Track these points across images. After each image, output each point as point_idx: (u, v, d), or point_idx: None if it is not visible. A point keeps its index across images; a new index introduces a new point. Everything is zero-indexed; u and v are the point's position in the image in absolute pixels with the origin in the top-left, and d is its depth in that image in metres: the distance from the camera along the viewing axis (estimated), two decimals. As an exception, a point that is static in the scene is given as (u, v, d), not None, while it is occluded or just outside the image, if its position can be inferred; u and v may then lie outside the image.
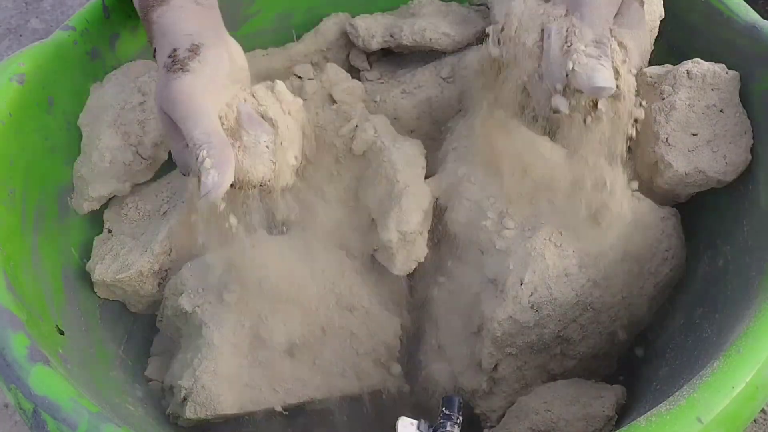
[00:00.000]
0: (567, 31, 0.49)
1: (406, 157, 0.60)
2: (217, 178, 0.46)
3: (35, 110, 0.58)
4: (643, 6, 0.53)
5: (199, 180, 0.46)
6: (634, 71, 0.52)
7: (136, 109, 0.61)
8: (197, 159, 0.46)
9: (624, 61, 0.50)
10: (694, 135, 0.57)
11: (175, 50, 0.51)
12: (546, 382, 0.59)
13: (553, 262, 0.55)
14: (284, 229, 0.64)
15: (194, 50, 0.51)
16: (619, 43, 0.51)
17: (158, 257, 0.60)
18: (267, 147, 0.50)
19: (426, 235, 0.59)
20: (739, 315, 0.48)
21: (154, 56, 0.54)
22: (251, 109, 0.50)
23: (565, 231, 0.56)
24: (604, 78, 0.47)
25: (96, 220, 0.64)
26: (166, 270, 0.62)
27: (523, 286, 0.54)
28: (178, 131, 0.49)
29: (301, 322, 0.57)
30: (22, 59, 0.57)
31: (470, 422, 0.61)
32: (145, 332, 0.66)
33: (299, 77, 0.67)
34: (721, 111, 0.57)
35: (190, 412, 0.54)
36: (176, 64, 0.50)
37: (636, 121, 0.55)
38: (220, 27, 0.56)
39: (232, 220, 0.52)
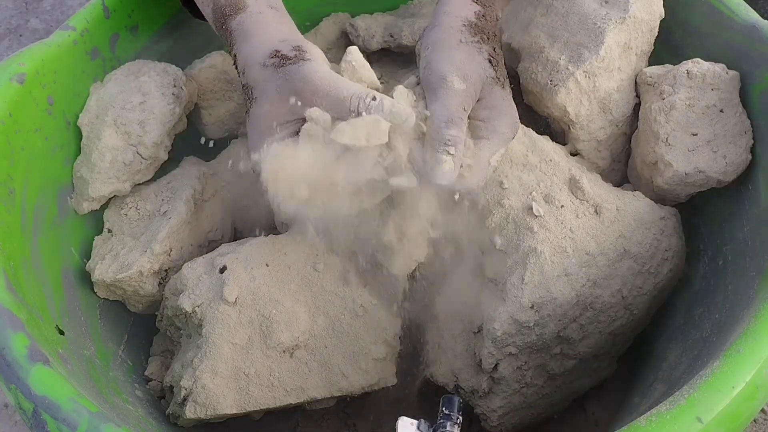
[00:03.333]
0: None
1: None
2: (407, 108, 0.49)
3: (35, 110, 0.58)
4: (504, 88, 0.55)
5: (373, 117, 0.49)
6: (494, 158, 0.54)
7: (136, 109, 0.61)
8: (369, 104, 0.49)
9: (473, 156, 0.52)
10: (694, 135, 0.57)
11: (277, 51, 0.54)
12: (546, 382, 0.59)
13: (553, 261, 0.55)
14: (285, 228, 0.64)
15: (298, 49, 0.54)
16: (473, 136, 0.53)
17: (158, 257, 0.60)
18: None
19: (426, 234, 0.59)
20: (739, 315, 0.48)
21: (234, 64, 0.57)
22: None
23: (566, 230, 0.56)
24: (443, 174, 0.50)
25: (96, 220, 0.64)
26: (166, 270, 0.62)
27: (523, 285, 0.54)
28: (290, 107, 0.51)
29: (301, 322, 0.57)
30: (22, 59, 0.57)
31: (470, 422, 0.61)
32: (145, 332, 0.66)
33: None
34: (721, 111, 0.57)
35: (190, 412, 0.54)
36: (288, 60, 0.53)
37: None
38: (299, 33, 0.59)
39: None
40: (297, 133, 0.52)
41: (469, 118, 0.53)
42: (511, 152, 0.59)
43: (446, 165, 0.49)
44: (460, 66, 0.52)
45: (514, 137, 0.56)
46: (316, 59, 0.53)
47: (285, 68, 0.52)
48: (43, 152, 0.58)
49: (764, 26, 0.56)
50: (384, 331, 0.59)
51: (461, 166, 0.52)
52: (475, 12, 0.56)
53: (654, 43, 0.63)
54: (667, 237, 0.58)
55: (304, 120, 0.52)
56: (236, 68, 0.57)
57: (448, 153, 0.50)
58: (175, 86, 0.64)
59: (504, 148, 0.55)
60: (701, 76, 0.58)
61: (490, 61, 0.54)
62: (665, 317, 0.62)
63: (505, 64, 0.59)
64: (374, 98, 0.49)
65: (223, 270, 0.57)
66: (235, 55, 0.57)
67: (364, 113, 0.49)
